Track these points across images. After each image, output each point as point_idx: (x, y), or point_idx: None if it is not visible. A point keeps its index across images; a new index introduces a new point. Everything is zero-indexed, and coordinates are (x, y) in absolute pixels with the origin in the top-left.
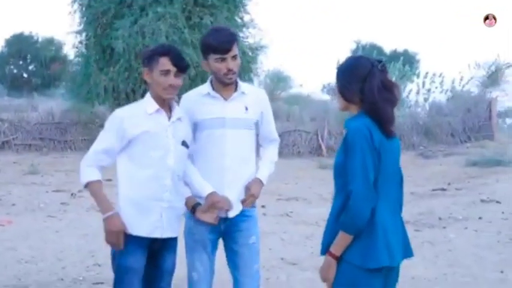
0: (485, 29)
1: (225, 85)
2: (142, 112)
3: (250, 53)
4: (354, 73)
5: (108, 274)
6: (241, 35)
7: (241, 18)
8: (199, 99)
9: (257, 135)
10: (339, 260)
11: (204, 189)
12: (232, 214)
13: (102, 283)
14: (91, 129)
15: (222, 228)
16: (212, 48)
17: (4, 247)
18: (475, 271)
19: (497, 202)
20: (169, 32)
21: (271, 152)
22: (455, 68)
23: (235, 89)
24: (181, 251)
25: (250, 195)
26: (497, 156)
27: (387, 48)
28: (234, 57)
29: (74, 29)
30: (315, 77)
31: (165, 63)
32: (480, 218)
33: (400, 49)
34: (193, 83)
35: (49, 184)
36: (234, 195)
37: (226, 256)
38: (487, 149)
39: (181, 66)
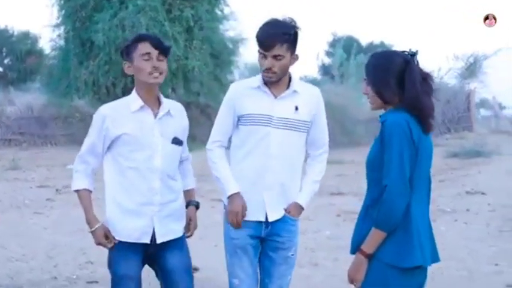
0: (461, 21)
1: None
2: (125, 110)
3: (231, 46)
4: (390, 71)
5: (102, 273)
6: (221, 27)
7: (222, 11)
8: (247, 91)
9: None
10: (370, 259)
11: (229, 187)
12: (271, 218)
13: (96, 282)
14: (71, 123)
15: (263, 235)
16: (257, 41)
17: None
18: (469, 264)
19: (482, 194)
20: (149, 25)
21: (317, 168)
22: (431, 60)
23: (288, 86)
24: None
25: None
26: (477, 147)
27: (364, 41)
28: (276, 57)
29: (52, 23)
30: (293, 69)
31: (145, 46)
32: (468, 210)
33: (377, 41)
34: (174, 77)
35: (32, 180)
36: (274, 198)
37: (260, 260)
38: (467, 140)
39: (162, 48)
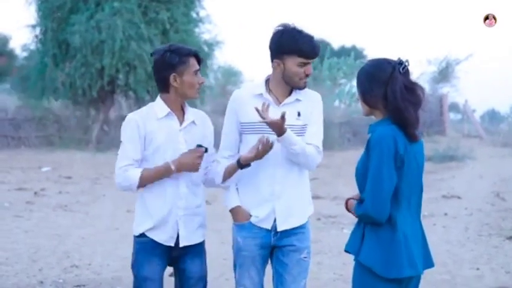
0: (432, 25)
1: (298, 88)
2: (153, 116)
3: (206, 49)
4: (375, 78)
5: (88, 276)
6: (196, 30)
7: (198, 14)
8: (250, 99)
9: None
10: (359, 264)
11: (231, 201)
12: (280, 228)
13: (83, 286)
14: (45, 125)
15: (273, 242)
16: (299, 52)
17: None
18: (451, 268)
19: (458, 198)
20: (125, 27)
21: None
22: None
23: (290, 93)
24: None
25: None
26: (451, 151)
27: (336, 44)
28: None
29: (28, 23)
30: (265, 71)
31: (194, 63)
32: (446, 214)
33: (348, 45)
34: (149, 80)
35: (9, 182)
36: (285, 206)
37: (273, 266)
38: (440, 144)
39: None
